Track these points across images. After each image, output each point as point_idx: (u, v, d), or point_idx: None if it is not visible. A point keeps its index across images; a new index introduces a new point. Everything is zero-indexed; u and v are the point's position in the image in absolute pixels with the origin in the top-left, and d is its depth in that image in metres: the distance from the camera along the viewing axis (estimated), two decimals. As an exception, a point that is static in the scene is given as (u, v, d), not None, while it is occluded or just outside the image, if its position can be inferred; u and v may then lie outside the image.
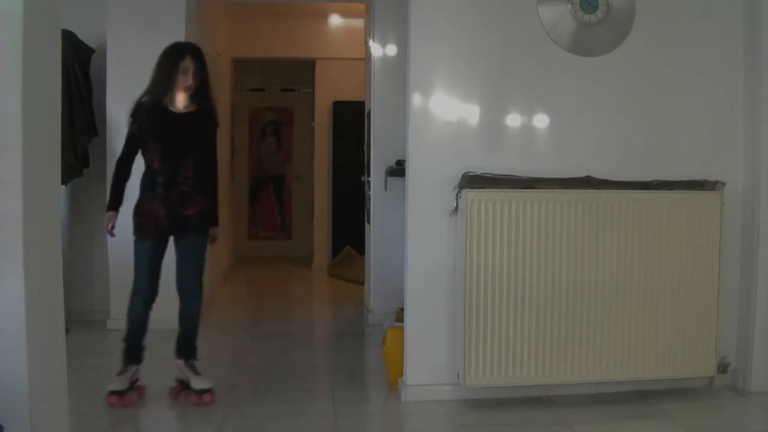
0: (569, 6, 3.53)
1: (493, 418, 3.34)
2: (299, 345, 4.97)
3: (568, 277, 3.40)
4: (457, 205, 3.43)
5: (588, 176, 3.52)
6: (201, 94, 3.60)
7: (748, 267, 3.64)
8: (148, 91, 3.61)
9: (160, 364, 3.81)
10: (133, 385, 3.50)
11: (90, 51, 4.97)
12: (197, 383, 3.52)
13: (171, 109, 3.58)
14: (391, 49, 5.26)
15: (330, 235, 8.20)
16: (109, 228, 3.59)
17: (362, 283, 6.22)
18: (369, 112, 5.52)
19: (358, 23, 7.05)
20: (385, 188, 5.19)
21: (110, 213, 3.60)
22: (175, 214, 3.55)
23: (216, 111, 3.73)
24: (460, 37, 3.52)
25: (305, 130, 9.16)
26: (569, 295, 3.41)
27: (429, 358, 3.51)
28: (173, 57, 3.54)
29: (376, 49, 5.33)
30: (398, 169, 4.92)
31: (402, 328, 3.61)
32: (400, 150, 4.03)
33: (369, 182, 5.48)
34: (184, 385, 3.59)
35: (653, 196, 3.51)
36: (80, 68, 4.85)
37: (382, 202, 5.29)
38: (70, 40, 4.68)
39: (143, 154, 3.62)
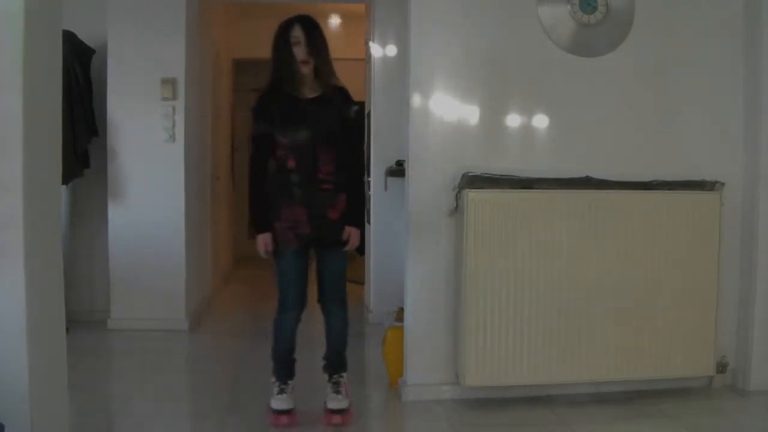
0: (569, 6, 3.53)
1: (493, 418, 3.34)
2: (299, 344, 4.95)
3: (568, 277, 3.40)
4: (457, 205, 3.43)
5: (588, 176, 3.52)
6: (326, 70, 3.12)
7: (748, 267, 3.65)
8: (271, 80, 3.16)
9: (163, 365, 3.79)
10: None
11: (90, 51, 4.97)
12: (331, 402, 3.22)
13: (296, 95, 3.13)
14: (391, 50, 5.26)
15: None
16: (267, 252, 3.13)
17: (362, 283, 6.21)
18: (369, 112, 5.52)
19: (358, 24, 7.05)
20: (385, 188, 5.18)
21: (264, 236, 3.11)
22: (319, 218, 3.12)
23: (346, 89, 3.21)
24: (460, 37, 3.52)
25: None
26: (569, 295, 3.41)
27: (429, 358, 3.51)
28: (281, 31, 3.11)
29: (376, 50, 5.33)
30: (398, 169, 4.92)
31: (402, 328, 3.61)
32: (400, 150, 4.03)
33: (369, 182, 5.48)
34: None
35: (653, 196, 3.51)
36: (80, 68, 4.85)
37: (382, 202, 5.29)
38: (70, 40, 4.68)
39: (273, 152, 3.14)
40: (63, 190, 4.82)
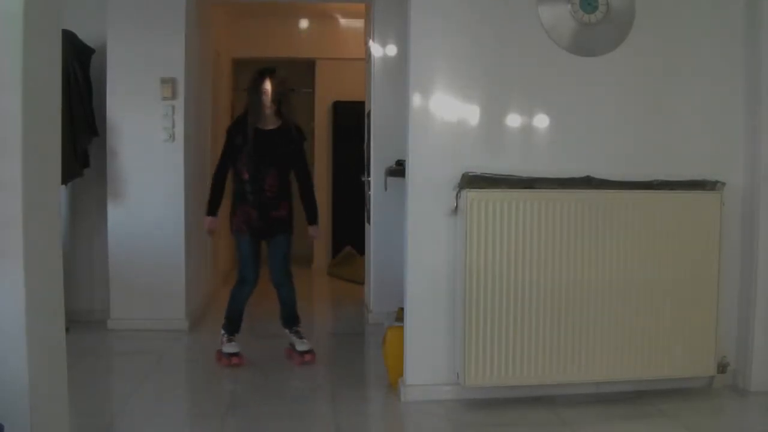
0: (569, 6, 3.53)
1: (493, 418, 3.34)
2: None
3: (568, 277, 3.40)
4: (456, 205, 3.43)
5: (588, 176, 3.52)
6: (286, 110, 4.21)
7: (748, 267, 3.65)
8: (244, 111, 4.23)
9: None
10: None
11: (90, 51, 4.97)
12: (300, 346, 4.26)
13: (259, 126, 4.17)
14: (391, 49, 5.26)
15: (330, 235, 8.20)
16: (208, 230, 4.36)
17: (362, 283, 6.21)
18: (369, 112, 5.52)
19: (358, 23, 7.05)
20: (385, 188, 5.18)
21: (209, 218, 4.29)
22: (265, 216, 4.18)
23: (298, 125, 4.36)
24: (460, 37, 3.52)
25: (305, 130, 9.14)
26: (569, 295, 3.41)
27: (429, 358, 3.51)
28: (255, 80, 4.17)
29: (376, 50, 5.33)
30: (398, 169, 4.91)
31: (402, 328, 3.61)
32: (400, 150, 4.03)
33: (369, 182, 5.48)
34: (293, 348, 4.31)
35: (653, 196, 3.51)
36: (80, 68, 4.85)
37: (382, 202, 5.28)
38: (70, 40, 4.68)
39: (234, 165, 4.21)
40: (63, 190, 4.82)
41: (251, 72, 4.26)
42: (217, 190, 4.27)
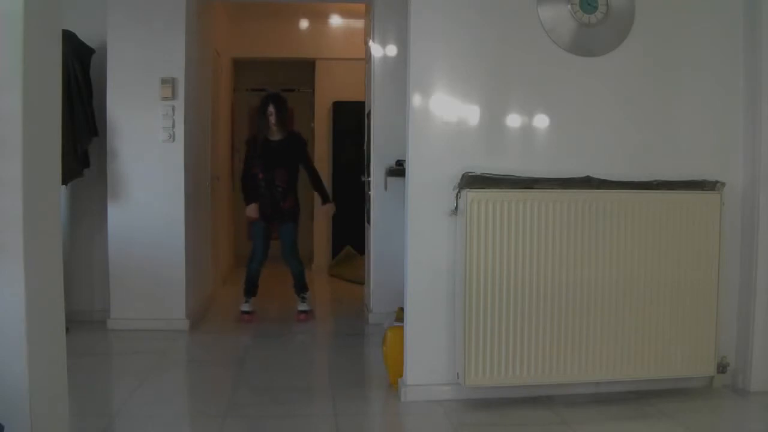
0: (569, 6, 3.53)
1: (493, 418, 3.34)
2: (299, 344, 4.98)
3: (568, 277, 3.41)
4: (457, 205, 3.43)
5: (588, 176, 3.52)
6: (285, 125, 5.55)
7: (748, 267, 3.65)
8: (256, 128, 5.72)
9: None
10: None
11: (90, 51, 4.97)
12: (300, 306, 5.57)
13: (269, 137, 5.49)
14: (391, 49, 5.26)
15: (330, 235, 8.20)
16: (253, 215, 5.53)
17: (362, 283, 6.21)
18: (369, 112, 5.52)
19: (358, 23, 7.05)
20: (385, 188, 5.19)
21: (253, 205, 5.50)
22: (276, 206, 5.46)
23: (299, 133, 5.79)
24: (460, 37, 3.52)
25: (305, 130, 9.15)
26: (569, 295, 3.41)
27: (429, 358, 3.51)
28: (262, 106, 5.49)
29: (376, 50, 5.33)
30: (398, 169, 4.92)
31: (402, 328, 3.61)
32: (400, 150, 4.03)
33: (369, 182, 5.48)
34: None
35: (653, 196, 3.51)
36: (80, 68, 4.85)
37: (382, 202, 5.29)
38: (70, 40, 4.68)
39: (252, 168, 5.52)
40: (63, 190, 4.81)
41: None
42: (249, 186, 5.56)
